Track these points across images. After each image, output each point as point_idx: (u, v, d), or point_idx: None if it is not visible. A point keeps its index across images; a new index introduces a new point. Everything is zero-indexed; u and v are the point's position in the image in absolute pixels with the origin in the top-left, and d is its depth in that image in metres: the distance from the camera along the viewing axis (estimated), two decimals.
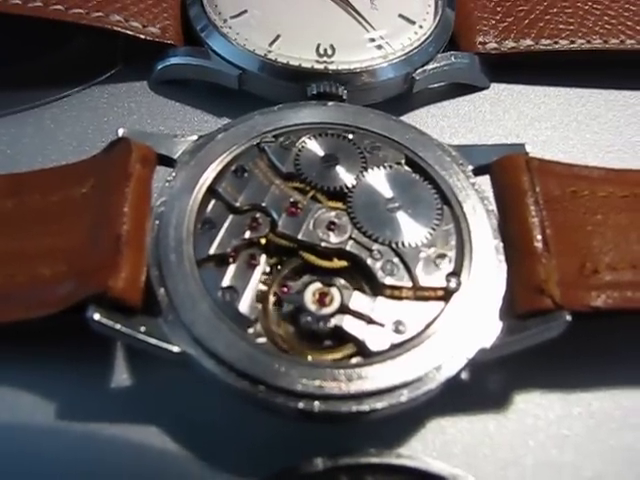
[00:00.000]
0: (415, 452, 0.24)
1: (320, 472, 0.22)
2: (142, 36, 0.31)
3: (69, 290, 0.23)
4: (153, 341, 0.22)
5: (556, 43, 0.33)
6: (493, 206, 0.26)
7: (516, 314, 0.24)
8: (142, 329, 0.22)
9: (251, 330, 0.23)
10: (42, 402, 0.24)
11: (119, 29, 0.30)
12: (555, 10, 0.34)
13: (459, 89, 0.33)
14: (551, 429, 0.25)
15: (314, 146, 0.26)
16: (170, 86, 0.32)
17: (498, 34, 0.33)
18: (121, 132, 0.26)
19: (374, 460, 0.23)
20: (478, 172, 0.27)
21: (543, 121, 0.33)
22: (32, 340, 0.24)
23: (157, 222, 0.24)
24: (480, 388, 0.26)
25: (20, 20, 0.30)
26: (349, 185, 0.26)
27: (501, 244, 0.25)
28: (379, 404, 0.22)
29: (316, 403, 0.22)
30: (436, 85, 0.33)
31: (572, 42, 0.33)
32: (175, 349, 0.22)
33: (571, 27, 0.34)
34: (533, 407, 0.26)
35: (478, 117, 0.33)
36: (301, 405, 0.22)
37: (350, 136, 0.27)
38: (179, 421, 0.24)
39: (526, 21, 0.34)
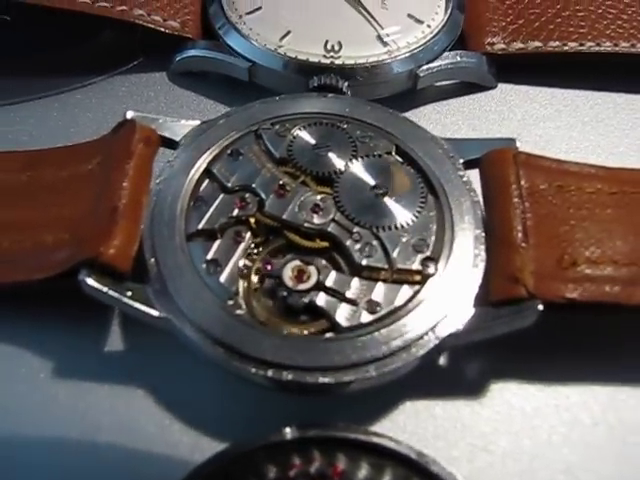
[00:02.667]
0: (385, 431, 0.25)
1: (288, 441, 0.24)
2: (162, 29, 0.33)
3: (67, 255, 0.24)
4: (137, 305, 0.24)
5: (565, 45, 0.33)
6: (480, 198, 0.27)
7: (491, 301, 0.25)
8: (128, 294, 0.24)
9: (231, 302, 0.24)
10: (39, 359, 0.26)
11: (141, 22, 0.33)
12: (567, 13, 0.34)
13: (466, 88, 0.34)
14: (526, 419, 0.26)
15: (307, 134, 0.28)
16: (187, 77, 0.34)
17: (507, 35, 0.34)
18: (129, 115, 0.28)
19: (341, 434, 0.24)
20: (469, 165, 0.28)
21: (548, 121, 0.33)
22: (37, 302, 0.26)
23: (154, 198, 0.26)
24: (458, 375, 0.26)
25: (53, 12, 0.33)
26: (337, 171, 0.27)
27: (483, 234, 0.26)
28: (346, 377, 0.23)
29: (285, 373, 0.23)
30: (444, 83, 0.34)
31: (581, 44, 0.33)
32: (156, 314, 0.24)
33: (581, 30, 0.34)
34: (510, 397, 0.26)
35: (482, 116, 0.33)
36: (270, 373, 0.23)
37: (344, 126, 0.28)
38: (162, 386, 0.26)
39: (537, 23, 0.34)
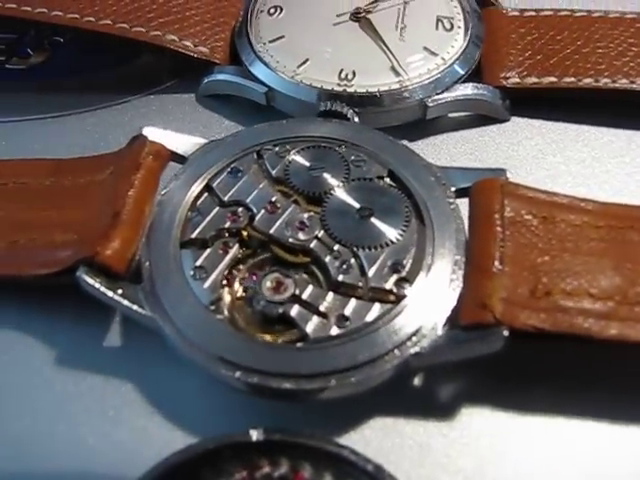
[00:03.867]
0: (352, 443, 0.26)
1: (254, 443, 0.25)
2: (193, 54, 0.36)
3: (70, 254, 0.27)
4: (126, 302, 0.26)
5: (579, 81, 0.34)
6: (466, 225, 0.28)
7: (460, 325, 0.25)
8: (119, 292, 0.26)
9: (213, 307, 0.26)
10: (40, 347, 0.28)
11: (172, 47, 0.35)
12: (586, 50, 0.35)
13: (480, 120, 0.35)
14: (493, 445, 0.26)
15: (305, 156, 0.29)
16: (214, 99, 0.36)
17: (523, 70, 0.34)
18: (144, 130, 0.30)
19: (306, 441, 0.25)
20: (460, 194, 0.29)
21: (558, 156, 0.34)
22: (45, 297, 0.29)
23: (157, 208, 0.28)
24: (431, 396, 0.27)
25: (98, 35, 0.36)
26: (327, 192, 0.28)
27: (463, 259, 0.27)
28: (308, 385, 0.24)
29: (252, 376, 0.24)
30: (457, 114, 0.35)
31: (596, 80, 0.34)
32: (142, 312, 0.26)
33: (598, 67, 0.34)
34: (480, 422, 0.26)
35: (491, 148, 0.34)
36: (237, 375, 0.24)
37: (340, 150, 0.29)
38: (151, 382, 0.27)
39: (554, 59, 0.35)
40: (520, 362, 0.27)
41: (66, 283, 0.27)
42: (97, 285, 0.26)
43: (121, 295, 0.26)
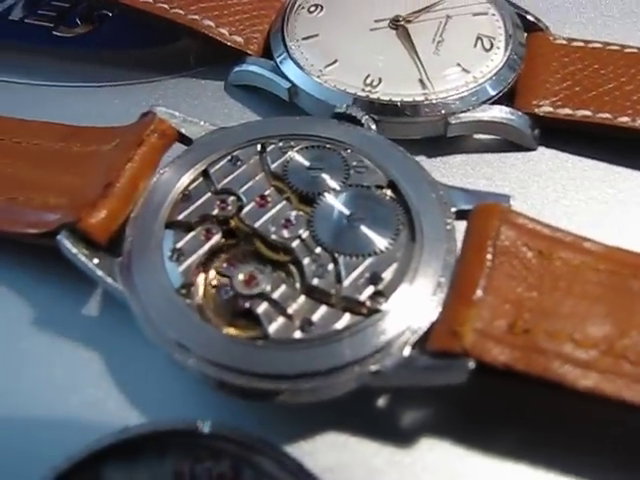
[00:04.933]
0: (301, 454, 0.25)
1: (198, 434, 0.24)
2: (227, 42, 0.36)
3: (57, 217, 0.27)
4: (100, 273, 0.26)
5: (615, 118, 0.32)
6: (459, 247, 0.27)
7: (427, 350, 0.24)
8: (95, 261, 0.26)
9: (183, 291, 0.26)
10: (17, 303, 0.29)
11: (207, 32, 0.35)
12: (629, 88, 0.33)
13: (505, 145, 0.33)
14: (448, 477, 0.25)
15: (306, 155, 0.29)
16: (243, 90, 0.36)
17: (558, 100, 0.33)
18: (154, 108, 0.30)
19: (250, 442, 0.24)
20: (461, 215, 0.28)
21: (580, 193, 0.32)
22: (36, 254, 0.29)
23: (152, 186, 0.28)
24: (394, 420, 0.26)
25: (142, 13, 0.36)
26: (321, 193, 0.27)
27: (447, 283, 0.25)
28: (259, 385, 0.24)
29: (200, 363, 0.24)
30: (483, 137, 0.34)
31: (633, 120, 0.32)
32: (113, 284, 0.26)
33: (638, 106, 0.32)
34: (437, 453, 0.25)
35: (511, 175, 0.32)
36: (191, 362, 0.24)
37: (344, 153, 0.29)
38: (119, 356, 0.27)
39: (592, 92, 0.33)
40: (492, 399, 0.25)
41: (52, 246, 0.27)
42: (74, 251, 0.26)
43: (97, 265, 0.26)
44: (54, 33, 0.39)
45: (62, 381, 0.27)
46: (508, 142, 0.33)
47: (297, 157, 0.29)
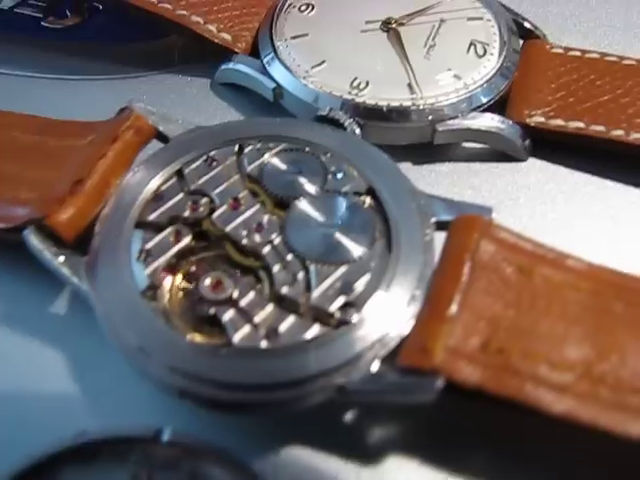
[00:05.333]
0: (263, 465, 0.24)
1: (157, 441, 0.23)
2: (214, 40, 0.35)
3: (26, 212, 0.26)
4: (64, 270, 0.25)
5: (609, 131, 0.31)
6: (436, 259, 0.26)
7: (396, 366, 0.23)
8: (61, 259, 0.25)
9: (149, 293, 0.25)
10: None
11: (194, 29, 0.34)
12: (624, 100, 0.32)
13: (495, 155, 0.32)
14: None
15: (284, 157, 0.28)
16: (229, 89, 0.35)
17: (550, 110, 0.32)
18: (133, 105, 0.29)
19: (210, 452, 0.23)
20: (441, 226, 0.27)
21: (570, 207, 0.31)
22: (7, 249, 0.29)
23: (124, 184, 0.27)
24: (360, 436, 0.25)
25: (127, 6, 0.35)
26: (296, 198, 0.26)
27: (422, 296, 0.25)
28: (217, 393, 0.23)
29: (159, 369, 0.23)
30: (472, 145, 0.33)
31: (627, 134, 0.31)
32: (78, 283, 0.25)
33: (634, 120, 0.31)
34: (404, 473, 0.24)
35: (499, 186, 0.31)
36: (151, 367, 0.23)
37: (323, 158, 0.28)
38: (84, 357, 0.27)
39: (587, 104, 0.32)
40: (462, 416, 0.25)
41: (20, 241, 0.27)
42: (40, 247, 0.25)
43: (62, 263, 0.25)
44: (42, 23, 0.39)
45: (24, 380, 0.26)
46: (497, 152, 0.32)
47: (274, 160, 0.28)
